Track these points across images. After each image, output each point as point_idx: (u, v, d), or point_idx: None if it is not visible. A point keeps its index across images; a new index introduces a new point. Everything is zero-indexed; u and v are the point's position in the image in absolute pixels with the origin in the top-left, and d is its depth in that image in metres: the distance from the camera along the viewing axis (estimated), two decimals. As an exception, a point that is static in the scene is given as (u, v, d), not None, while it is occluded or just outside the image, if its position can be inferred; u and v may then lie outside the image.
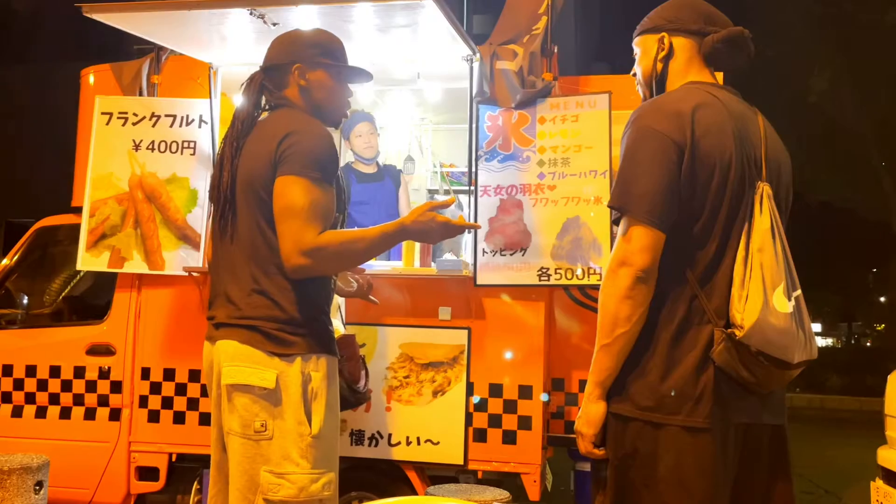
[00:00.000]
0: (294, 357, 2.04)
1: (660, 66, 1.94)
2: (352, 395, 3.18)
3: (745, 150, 1.79)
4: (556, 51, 3.77)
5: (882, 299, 23.15)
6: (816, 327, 32.58)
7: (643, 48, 1.98)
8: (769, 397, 1.80)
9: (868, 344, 25.90)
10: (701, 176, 1.75)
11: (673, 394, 1.73)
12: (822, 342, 31.81)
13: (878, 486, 4.00)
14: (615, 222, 1.84)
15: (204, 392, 3.96)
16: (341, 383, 3.09)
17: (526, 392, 3.63)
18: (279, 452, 2.01)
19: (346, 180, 4.53)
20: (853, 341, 28.11)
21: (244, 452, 2.02)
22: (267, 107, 2.24)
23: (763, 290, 1.68)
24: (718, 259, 1.76)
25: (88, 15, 3.36)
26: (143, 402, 4.03)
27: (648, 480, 1.74)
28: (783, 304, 1.69)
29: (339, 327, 3.28)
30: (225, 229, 2.17)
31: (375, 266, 3.80)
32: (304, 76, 2.19)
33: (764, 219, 1.73)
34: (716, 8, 1.96)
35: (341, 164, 4.94)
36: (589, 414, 1.82)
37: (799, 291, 1.74)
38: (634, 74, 2.04)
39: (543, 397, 3.62)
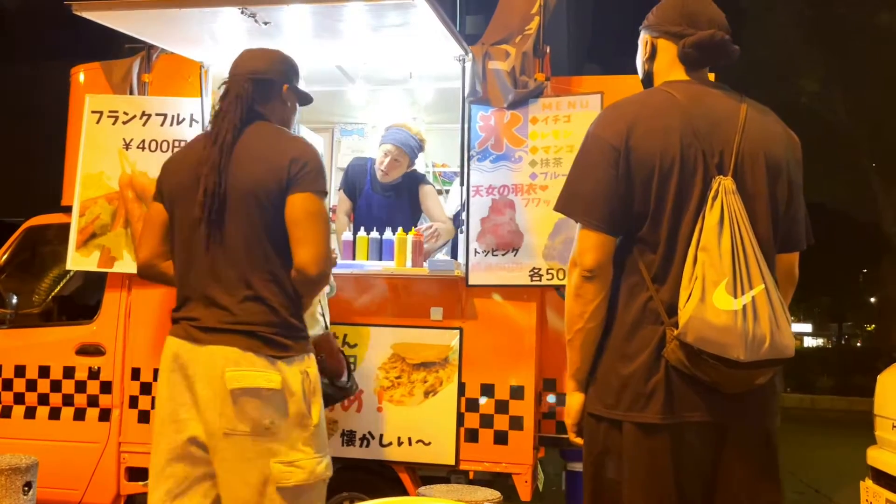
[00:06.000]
0: (293, 359, 2.19)
1: (646, 66, 2.01)
2: (336, 391, 3.20)
3: (702, 147, 1.78)
4: (548, 51, 3.77)
5: (872, 300, 23.28)
6: (807, 328, 32.75)
7: (640, 45, 2.05)
8: (748, 397, 1.78)
9: (858, 344, 26.04)
10: (638, 177, 1.78)
11: (627, 391, 1.78)
12: (812, 342, 31.99)
13: (867, 485, 4.02)
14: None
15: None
16: (323, 380, 3.12)
17: (517, 392, 3.63)
18: (287, 444, 2.15)
19: (365, 174, 4.37)
20: (843, 342, 28.26)
21: (254, 449, 2.12)
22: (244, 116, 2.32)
23: (702, 287, 1.69)
24: (670, 257, 1.77)
25: (78, 13, 3.34)
26: (133, 402, 4.01)
27: (616, 476, 1.79)
28: (725, 301, 1.68)
29: (319, 328, 3.27)
30: (210, 234, 2.20)
31: (367, 266, 3.79)
32: (289, 96, 2.39)
33: (713, 214, 1.73)
34: (713, 7, 1.96)
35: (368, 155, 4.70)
36: (567, 406, 1.94)
37: (760, 288, 1.71)
38: None
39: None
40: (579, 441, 1.90)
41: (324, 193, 2.23)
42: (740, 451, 1.79)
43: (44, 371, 4.15)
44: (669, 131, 1.79)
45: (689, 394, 1.75)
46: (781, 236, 1.87)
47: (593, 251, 1.80)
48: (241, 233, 2.18)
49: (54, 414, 4.12)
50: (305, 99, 2.47)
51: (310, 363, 2.25)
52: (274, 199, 2.18)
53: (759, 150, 1.83)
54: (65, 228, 4.10)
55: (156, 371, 3.96)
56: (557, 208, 1.90)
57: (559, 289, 3.77)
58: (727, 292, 1.69)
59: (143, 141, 4.03)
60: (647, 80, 2.01)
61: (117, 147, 4.04)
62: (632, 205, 1.79)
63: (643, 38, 2.01)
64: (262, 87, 2.32)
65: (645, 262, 1.80)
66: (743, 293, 1.69)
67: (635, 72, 3.82)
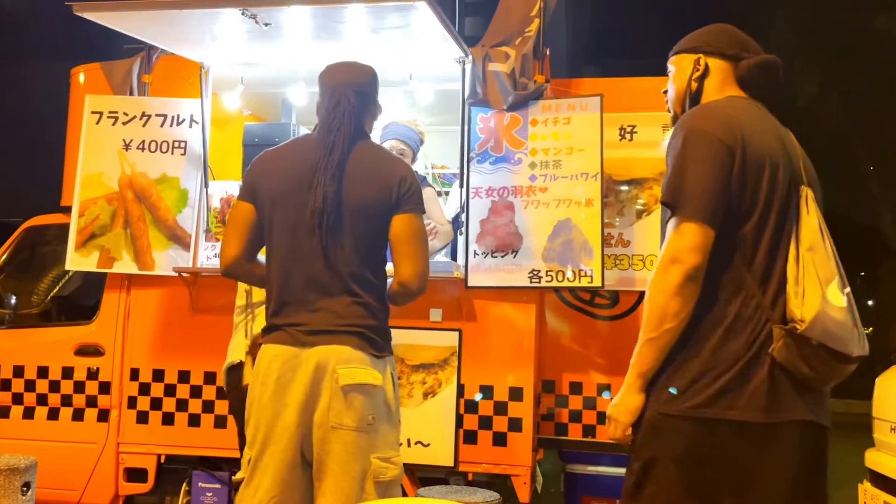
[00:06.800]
0: (386, 358, 2.35)
1: (694, 84, 2.03)
2: None
3: (788, 154, 1.89)
4: (548, 53, 3.78)
5: (870, 303, 23.30)
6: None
7: (678, 67, 2.07)
8: (823, 397, 1.85)
9: (856, 347, 25.99)
10: (751, 176, 1.82)
11: (727, 390, 1.78)
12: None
13: (865, 488, 4.02)
14: (666, 221, 1.88)
15: (194, 393, 3.95)
16: None
17: (516, 394, 3.63)
18: (384, 441, 2.29)
19: None
20: (841, 344, 28.21)
21: (358, 444, 2.24)
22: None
23: (819, 284, 1.74)
24: (772, 258, 1.82)
25: (79, 13, 3.34)
26: (132, 402, 4.01)
27: (698, 477, 1.79)
28: (838, 298, 1.75)
29: None
30: (321, 242, 2.28)
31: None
32: (377, 109, 2.51)
33: (812, 218, 1.81)
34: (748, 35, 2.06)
35: None
36: (628, 403, 1.88)
37: (849, 289, 1.79)
38: (665, 91, 2.12)
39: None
40: (627, 439, 1.90)
41: (424, 212, 2.41)
42: (815, 447, 1.85)
43: (42, 371, 4.15)
44: (770, 134, 1.88)
45: (791, 392, 1.79)
46: None
47: (701, 249, 1.79)
48: (350, 243, 2.29)
49: (53, 414, 4.12)
50: (380, 111, 2.57)
51: (394, 364, 2.40)
52: (380, 214, 2.33)
53: (811, 167, 1.96)
54: (64, 229, 4.10)
55: (154, 371, 4.01)
56: (664, 200, 1.87)
57: (558, 291, 3.78)
58: (838, 289, 1.76)
59: (143, 142, 4.03)
60: (694, 98, 2.04)
61: (117, 148, 4.04)
62: (740, 203, 1.81)
63: (689, 58, 2.04)
64: (363, 100, 2.43)
65: (745, 260, 1.82)
66: (844, 292, 1.78)
67: (634, 73, 3.83)
